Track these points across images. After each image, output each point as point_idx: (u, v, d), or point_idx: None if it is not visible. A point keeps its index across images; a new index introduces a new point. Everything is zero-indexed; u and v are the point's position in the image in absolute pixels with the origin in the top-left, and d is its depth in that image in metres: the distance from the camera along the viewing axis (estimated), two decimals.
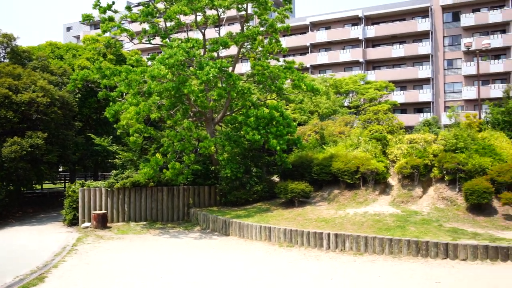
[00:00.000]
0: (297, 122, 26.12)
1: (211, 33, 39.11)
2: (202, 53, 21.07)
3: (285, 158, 19.71)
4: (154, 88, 18.20)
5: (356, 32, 56.80)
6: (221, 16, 22.04)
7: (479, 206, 16.07)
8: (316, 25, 61.10)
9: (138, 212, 20.77)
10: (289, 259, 13.53)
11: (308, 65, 58.03)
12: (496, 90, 48.60)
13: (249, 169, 20.55)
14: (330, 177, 19.27)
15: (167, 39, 21.22)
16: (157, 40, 22.75)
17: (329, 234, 14.44)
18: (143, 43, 22.31)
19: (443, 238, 13.38)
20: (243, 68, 56.00)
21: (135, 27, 55.20)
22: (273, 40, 20.76)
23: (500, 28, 52.28)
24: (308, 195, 18.78)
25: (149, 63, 24.03)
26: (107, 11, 21.17)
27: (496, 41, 50.64)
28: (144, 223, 20.36)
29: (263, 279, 11.59)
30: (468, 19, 52.37)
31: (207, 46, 21.13)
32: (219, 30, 22.61)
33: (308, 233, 14.81)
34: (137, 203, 20.78)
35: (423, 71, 54.23)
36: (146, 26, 22.15)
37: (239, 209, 19.56)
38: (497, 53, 51.94)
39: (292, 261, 13.36)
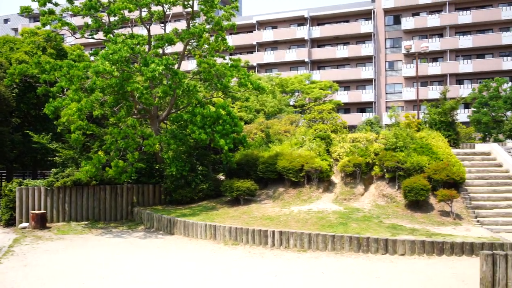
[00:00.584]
0: (243, 120, 26.21)
1: (156, 29, 38.52)
2: (147, 50, 20.73)
3: (231, 157, 19.74)
4: (98, 84, 17.74)
5: (302, 32, 57.65)
6: (166, 13, 21.77)
7: (417, 203, 16.72)
8: (263, 24, 61.51)
9: (80, 212, 20.19)
10: (234, 257, 13.57)
11: (254, 64, 58.34)
12: (433, 92, 50.64)
13: (194, 168, 20.43)
14: (275, 175, 19.47)
15: (110, 34, 20.72)
16: (100, 35, 22.19)
17: (273, 232, 14.59)
18: (86, 37, 21.71)
19: (383, 234, 13.83)
20: (189, 65, 55.55)
21: (77, 20, 53.60)
22: (219, 38, 20.72)
23: (438, 32, 54.55)
24: (253, 193, 18.89)
25: (92, 58, 23.38)
26: (47, 3, 20.41)
27: (434, 44, 52.81)
28: (86, 222, 19.82)
29: (207, 277, 11.57)
30: (408, 22, 54.30)
31: (152, 43, 20.81)
32: (164, 26, 22.32)
33: (253, 231, 14.90)
34: (78, 202, 20.18)
35: (366, 72, 55.76)
36: (88, 20, 21.54)
37: (184, 207, 19.41)
38: (435, 56, 54.16)
39: (237, 259, 13.41)
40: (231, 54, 55.74)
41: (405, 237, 13.48)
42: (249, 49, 60.91)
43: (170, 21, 31.80)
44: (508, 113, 39.97)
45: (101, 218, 20.35)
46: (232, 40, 58.01)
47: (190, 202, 20.02)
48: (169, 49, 22.99)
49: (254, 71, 56.51)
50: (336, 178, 19.58)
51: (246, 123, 27.22)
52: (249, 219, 16.43)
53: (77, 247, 15.58)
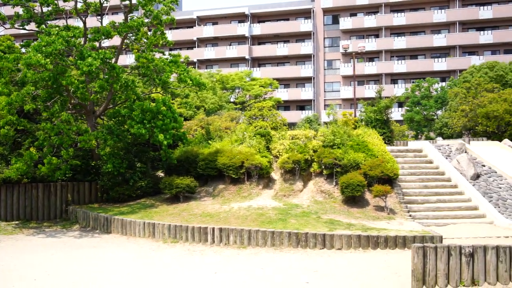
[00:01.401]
0: (183, 117, 25.91)
1: (92, 21, 37.27)
2: (82, 43, 20.02)
3: (171, 153, 19.46)
4: (29, 77, 16.94)
5: (242, 29, 57.74)
6: (103, 5, 21.13)
7: (353, 199, 17.18)
8: (203, 20, 61.08)
9: (10, 211, 19.26)
10: (173, 255, 13.40)
11: (195, 60, 57.86)
12: (370, 90, 52.19)
13: (132, 164, 19.98)
14: (215, 172, 19.39)
15: (43, 25, 19.85)
16: (33, 26, 21.20)
17: (213, 229, 14.53)
18: (16, 28, 20.66)
19: (321, 229, 14.11)
20: (128, 60, 54.27)
21: (7, 10, 50.96)
22: (158, 33, 20.34)
23: (374, 32, 56.27)
24: (193, 190, 18.72)
25: (23, 50, 22.32)
26: None
27: (370, 44, 54.44)
28: (17, 222, 18.92)
29: (145, 276, 11.35)
30: (346, 22, 55.66)
31: (88, 35, 20.13)
32: (101, 19, 21.64)
33: (193, 228, 14.78)
34: (8, 201, 19.24)
35: (305, 70, 56.66)
36: (19, 10, 20.52)
37: (122, 205, 18.95)
38: (371, 56, 55.85)
39: (176, 256, 13.25)
40: (170, 50, 54.92)
41: (342, 232, 13.82)
42: (189, 44, 60.32)
43: (107, 14, 30.90)
44: (439, 112, 41.90)
45: (33, 217, 19.51)
46: (172, 35, 57.21)
47: (128, 200, 19.57)
48: (106, 43, 22.32)
49: (194, 67, 56.06)
50: (276, 174, 19.76)
51: (186, 119, 26.93)
52: (188, 217, 16.28)
53: (7, 247, 14.84)
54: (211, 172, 19.38)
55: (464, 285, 9.71)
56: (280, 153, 20.08)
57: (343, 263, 12.15)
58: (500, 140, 25.56)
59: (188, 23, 61.22)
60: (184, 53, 23.42)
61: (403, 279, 10.69)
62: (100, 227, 17.16)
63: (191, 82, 20.04)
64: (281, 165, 19.01)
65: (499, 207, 16.93)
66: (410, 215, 16.46)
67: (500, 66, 38.11)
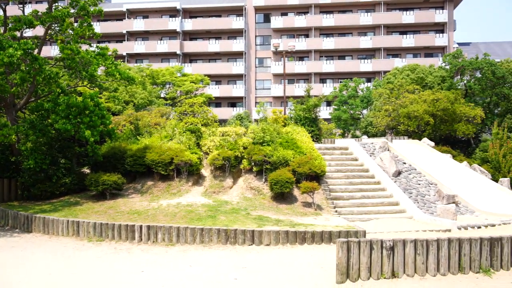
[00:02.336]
0: (111, 112, 25.18)
1: (14, 10, 35.37)
2: (2, 31, 18.93)
3: (97, 149, 18.87)
4: None
5: (174, 24, 56.94)
6: None
7: (282, 195, 17.47)
8: (133, 13, 59.62)
9: None
10: (98, 254, 13.01)
11: (124, 53, 56.40)
12: (300, 89, 53.21)
13: (56, 160, 19.16)
14: (144, 169, 19.02)
15: None
16: None
17: (141, 226, 14.25)
18: None
19: (250, 226, 14.23)
20: (52, 51, 51.97)
21: None
22: (85, 24, 19.62)
23: (304, 32, 57.41)
24: (120, 187, 18.26)
25: None
26: None
27: (300, 44, 55.50)
28: None
29: (67, 276, 10.94)
30: (277, 21, 56.37)
31: (8, 24, 19.05)
32: (23, 7, 20.55)
33: (120, 226, 14.42)
34: None
35: (237, 67, 56.83)
36: None
37: (44, 203, 18.13)
38: (301, 55, 56.96)
39: (101, 255, 12.87)
40: (99, 42, 53.24)
41: (271, 228, 14.01)
42: (118, 37, 58.68)
43: (30, 2, 29.38)
44: (364, 111, 43.49)
45: None
46: (100, 28, 55.44)
47: (51, 197, 18.76)
48: (28, 33, 21.19)
49: (124, 61, 54.62)
50: (206, 171, 19.70)
51: (114, 114, 26.20)
52: (115, 214, 15.86)
53: None
54: (140, 168, 19.00)
55: (385, 277, 10.15)
56: (211, 150, 20.03)
57: (271, 259, 12.32)
58: (420, 139, 26.95)
59: (118, 16, 59.54)
60: (112, 46, 22.76)
61: (328, 273, 11.00)
62: (20, 226, 16.32)
63: (119, 76, 19.51)
64: (211, 161, 18.98)
65: (418, 203, 17.85)
66: (336, 211, 16.97)
67: (421, 68, 40.13)
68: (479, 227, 15.71)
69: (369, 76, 55.47)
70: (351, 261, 10.10)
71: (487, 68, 38.02)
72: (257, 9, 57.99)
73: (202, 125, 22.72)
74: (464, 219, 16.74)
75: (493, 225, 16.00)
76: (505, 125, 31.00)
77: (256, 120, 36.70)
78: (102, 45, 20.81)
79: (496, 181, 24.48)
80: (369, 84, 48.56)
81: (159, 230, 14.14)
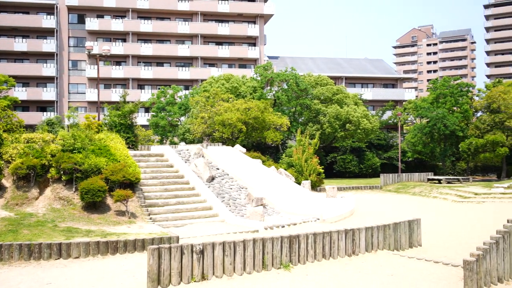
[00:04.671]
0: None
1: None
2: None
3: None
4: None
5: None
6: None
7: (94, 204, 16.79)
8: None
9: None
10: None
11: None
12: (117, 94, 51.73)
13: None
14: None
15: None
16: None
17: None
18: None
19: (57, 239, 13.37)
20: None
21: None
22: None
23: (122, 36, 56.12)
24: None
25: None
26: None
27: (118, 48, 54.10)
28: None
29: None
30: (92, 23, 54.13)
31: None
32: None
33: None
34: None
35: (48, 69, 53.05)
36: None
37: None
38: (119, 60, 55.54)
39: None
40: None
41: (80, 240, 13.35)
42: None
43: None
44: (182, 118, 44.12)
45: None
46: None
47: None
48: None
49: None
50: (7, 182, 17.93)
51: None
52: None
53: None
54: None
55: (195, 281, 10.43)
56: (13, 158, 18.31)
57: (80, 272, 11.74)
58: (233, 146, 28.31)
59: None
60: None
61: (140, 281, 10.89)
62: None
63: None
64: (14, 171, 17.35)
65: (230, 206, 18.73)
66: (150, 218, 16.90)
67: (235, 78, 42.28)
68: (283, 226, 17.10)
69: (187, 83, 56.53)
70: (162, 268, 10.15)
71: (293, 80, 41.69)
72: (71, 9, 54.92)
73: (4, 131, 20.63)
74: (271, 220, 18.05)
75: (295, 224, 17.56)
76: (307, 132, 34.29)
77: (69, 126, 34.62)
78: None
79: (299, 183, 26.95)
80: (186, 91, 49.47)
81: None
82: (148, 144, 35.86)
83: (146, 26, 55.13)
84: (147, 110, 52.57)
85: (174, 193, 19.01)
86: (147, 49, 55.02)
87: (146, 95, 52.83)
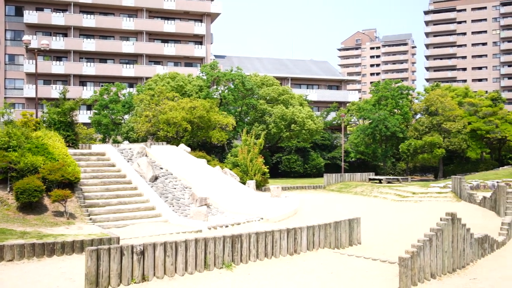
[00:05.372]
0: None
1: None
2: None
3: None
4: None
5: None
6: None
7: (30, 205, 16.11)
8: None
9: None
10: None
11: None
12: (56, 91, 50.06)
13: None
14: None
15: None
16: None
17: None
18: None
19: None
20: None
21: None
22: None
23: (63, 31, 54.27)
24: None
25: None
26: None
27: (58, 43, 52.30)
28: None
29: None
30: (31, 16, 52.07)
31: None
32: None
33: None
34: None
35: None
36: None
37: None
38: (59, 55, 53.69)
39: None
40: None
41: (14, 242, 12.77)
42: None
43: None
44: (126, 116, 43.22)
45: None
46: None
47: None
48: None
49: None
50: None
51: None
52: None
53: None
54: None
55: (135, 282, 10.22)
56: None
57: (13, 276, 11.23)
58: (178, 145, 28.00)
59: None
60: None
61: (78, 284, 10.55)
62: None
63: None
64: None
65: (173, 206, 18.51)
66: (90, 219, 16.41)
67: (181, 77, 41.86)
68: (226, 226, 17.07)
69: (132, 81, 55.43)
70: (100, 269, 9.88)
71: (239, 80, 41.75)
72: (8, 0, 52.53)
73: None
74: (215, 220, 17.98)
75: (239, 224, 17.57)
76: (253, 132, 34.43)
77: (4, 123, 33.06)
78: None
79: (244, 183, 27.01)
80: (131, 89, 48.52)
81: None
82: (90, 142, 34.86)
83: (89, 21, 53.58)
84: (89, 107, 51.10)
85: (115, 193, 18.56)
86: (90, 44, 53.48)
87: (88, 92, 51.34)
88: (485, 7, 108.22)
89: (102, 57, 55.51)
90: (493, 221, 19.18)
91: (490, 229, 16.77)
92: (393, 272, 11.31)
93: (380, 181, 37.51)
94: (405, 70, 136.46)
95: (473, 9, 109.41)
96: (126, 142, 32.62)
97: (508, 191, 19.40)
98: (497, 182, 27.75)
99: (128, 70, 54.33)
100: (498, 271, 12.19)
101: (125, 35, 56.24)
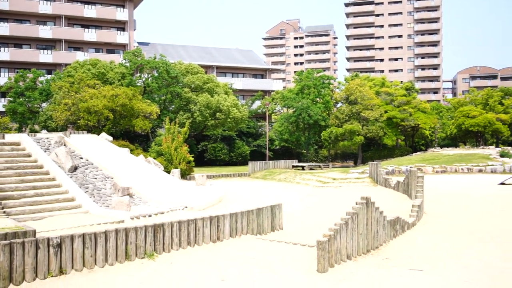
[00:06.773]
0: None
1: None
2: None
3: None
4: None
5: None
6: None
7: None
8: None
9: None
10: None
11: None
12: None
13: None
14: None
15: None
16: None
17: None
18: None
19: None
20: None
21: None
22: None
23: None
24: None
25: None
26: None
27: None
28: None
29: None
30: None
31: None
32: None
33: None
34: None
35: None
36: None
37: None
38: None
39: None
40: None
41: None
42: None
43: None
44: (44, 105, 41.34)
45: None
46: None
47: None
48: None
49: None
50: None
51: None
52: None
53: None
54: None
55: (52, 276, 9.95)
56: None
57: None
58: (99, 134, 27.24)
59: None
60: None
61: None
62: None
63: None
64: None
65: (94, 197, 18.05)
66: (4, 212, 15.66)
67: (102, 64, 40.55)
68: (150, 216, 16.91)
69: (50, 68, 52.96)
70: (14, 264, 9.52)
71: (163, 68, 41.17)
72: None
73: None
74: (138, 209, 17.74)
75: (163, 213, 17.46)
76: (177, 120, 34.15)
77: None
78: None
79: (169, 172, 26.82)
80: (49, 76, 46.35)
81: None
82: (5, 132, 33.09)
83: (2, 3, 50.42)
84: (3, 95, 48.29)
85: (32, 184, 17.79)
86: (3, 28, 50.37)
87: (2, 79, 48.45)
88: (400, 1, 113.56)
89: (17, 42, 52.46)
90: (405, 204, 20.39)
91: (402, 211, 17.84)
92: (312, 255, 11.78)
93: (303, 168, 38.56)
94: (327, 60, 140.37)
95: (389, 2, 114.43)
96: (44, 131, 31.24)
97: (419, 175, 20.66)
98: (410, 167, 29.48)
99: (46, 56, 51.79)
100: (408, 250, 13.05)
101: (42, 19, 53.46)
